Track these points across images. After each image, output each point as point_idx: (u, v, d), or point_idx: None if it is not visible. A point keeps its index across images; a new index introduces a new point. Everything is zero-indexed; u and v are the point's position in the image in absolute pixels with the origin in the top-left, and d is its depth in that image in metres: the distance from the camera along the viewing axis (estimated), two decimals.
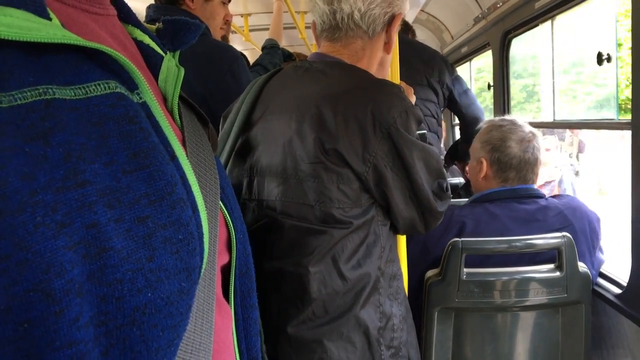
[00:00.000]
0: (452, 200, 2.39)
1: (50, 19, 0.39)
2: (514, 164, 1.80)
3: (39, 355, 0.32)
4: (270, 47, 2.48)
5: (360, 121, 1.09)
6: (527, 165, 1.81)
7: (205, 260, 0.45)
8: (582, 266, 1.63)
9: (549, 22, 2.47)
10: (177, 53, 0.56)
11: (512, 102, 2.99)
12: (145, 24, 0.57)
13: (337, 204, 1.11)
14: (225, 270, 0.58)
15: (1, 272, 0.30)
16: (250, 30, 3.80)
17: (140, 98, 0.44)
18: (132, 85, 0.43)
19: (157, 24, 0.58)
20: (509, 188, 1.81)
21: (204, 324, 0.47)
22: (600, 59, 1.93)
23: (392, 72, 1.62)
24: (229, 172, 1.24)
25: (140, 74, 0.44)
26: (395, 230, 1.23)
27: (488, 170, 1.84)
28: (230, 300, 0.58)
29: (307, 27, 3.95)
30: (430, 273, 1.65)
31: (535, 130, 1.87)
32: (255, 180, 1.20)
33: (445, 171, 1.23)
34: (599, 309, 1.79)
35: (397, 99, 1.13)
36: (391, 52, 1.31)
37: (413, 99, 1.49)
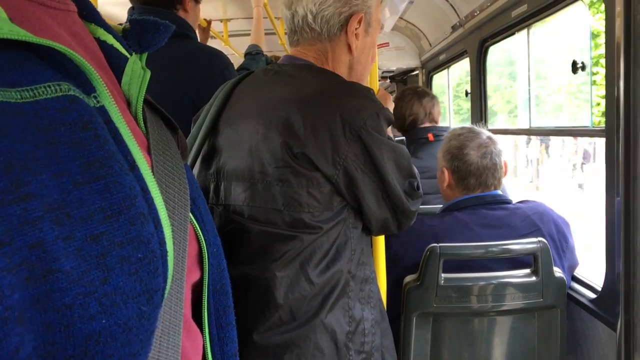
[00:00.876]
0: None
1: None
2: (472, 170, 1.83)
3: None
4: (256, 54, 2.49)
5: (329, 125, 1.08)
6: (486, 171, 1.83)
7: (169, 280, 0.41)
8: (557, 271, 1.65)
9: (525, 31, 2.51)
10: (144, 55, 0.52)
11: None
12: (110, 23, 0.54)
13: (307, 208, 1.10)
14: (197, 288, 0.54)
15: None
16: (230, 36, 3.79)
17: (98, 102, 0.40)
18: (89, 88, 0.40)
19: (123, 23, 0.54)
20: (474, 195, 1.83)
21: (169, 349, 0.43)
22: (575, 67, 1.96)
23: (370, 79, 1.63)
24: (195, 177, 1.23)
25: (98, 75, 0.40)
26: (368, 232, 1.23)
27: (450, 180, 1.87)
28: (203, 320, 0.55)
29: (286, 33, 3.96)
30: (408, 278, 1.66)
31: (493, 136, 1.90)
32: (222, 185, 1.19)
33: (415, 170, 1.23)
34: (573, 314, 1.82)
35: (367, 100, 1.13)
36: (360, 55, 1.28)
37: (391, 106, 1.49)
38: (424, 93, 2.80)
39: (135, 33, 0.52)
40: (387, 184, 1.14)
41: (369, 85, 1.59)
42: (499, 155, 1.86)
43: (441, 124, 2.83)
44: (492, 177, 1.84)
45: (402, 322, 1.64)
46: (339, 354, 1.15)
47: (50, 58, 0.37)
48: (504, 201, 1.83)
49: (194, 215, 0.53)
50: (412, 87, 2.94)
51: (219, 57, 1.88)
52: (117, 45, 0.51)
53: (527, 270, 1.65)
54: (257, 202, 1.13)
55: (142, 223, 0.37)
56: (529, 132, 2.62)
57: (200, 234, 0.54)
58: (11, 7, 0.38)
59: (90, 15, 0.50)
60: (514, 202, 1.87)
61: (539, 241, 1.62)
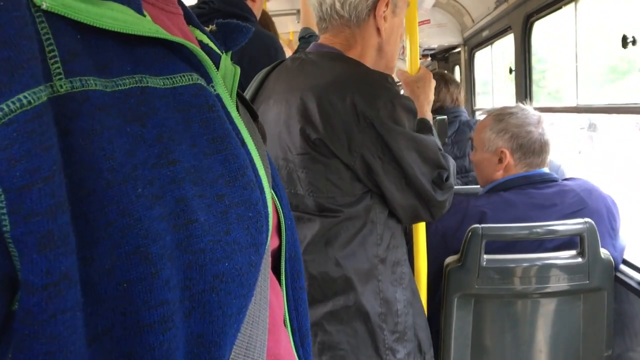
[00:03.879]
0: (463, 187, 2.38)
1: (144, 16, 0.43)
2: (536, 148, 1.78)
3: (135, 312, 0.35)
4: (309, 37, 2.51)
5: (344, 113, 1.10)
6: (547, 147, 1.80)
7: (269, 237, 0.48)
8: (604, 253, 1.60)
9: (572, 5, 2.42)
10: (229, 53, 0.59)
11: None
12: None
13: (327, 193, 1.13)
14: (274, 255, 0.61)
15: (107, 236, 0.34)
16: (270, 16, 3.79)
17: (215, 90, 0.48)
18: (208, 79, 0.47)
19: (210, 26, 0.61)
20: (523, 175, 1.79)
21: (261, 299, 0.50)
22: (625, 42, 1.88)
23: (411, 56, 1.60)
24: None
25: (214, 69, 0.48)
26: (397, 218, 1.23)
27: (510, 159, 1.81)
28: (281, 283, 0.61)
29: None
30: (450, 259, 1.64)
31: (538, 112, 1.87)
32: None
33: (446, 161, 1.21)
34: (621, 296, 1.77)
35: (382, 89, 1.13)
36: (390, 37, 1.29)
37: (432, 85, 1.46)
38: (451, 80, 2.75)
39: (221, 34, 0.60)
40: (407, 173, 1.14)
41: (409, 64, 1.56)
42: (549, 133, 1.83)
43: (484, 101, 2.79)
44: (548, 154, 1.81)
45: (443, 304, 1.63)
46: (374, 334, 1.18)
47: (181, 53, 0.45)
48: (551, 179, 1.78)
49: (274, 191, 0.60)
50: (439, 73, 2.88)
51: (272, 42, 1.98)
52: (211, 44, 0.58)
53: (573, 252, 1.61)
54: (286, 188, 1.16)
55: (252, 189, 0.45)
56: (577, 109, 2.54)
57: (280, 207, 0.61)
58: (148, 11, 0.46)
59: (189, 18, 0.58)
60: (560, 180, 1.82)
61: (586, 222, 1.58)
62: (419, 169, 1.15)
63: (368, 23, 1.25)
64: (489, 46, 3.88)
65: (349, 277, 1.15)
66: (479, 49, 4.09)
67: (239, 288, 0.41)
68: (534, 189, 1.75)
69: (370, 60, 1.28)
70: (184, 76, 0.43)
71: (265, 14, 2.60)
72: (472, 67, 4.29)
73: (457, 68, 5.01)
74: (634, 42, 1.86)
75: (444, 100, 2.69)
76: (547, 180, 1.78)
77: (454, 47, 4.72)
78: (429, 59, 5.55)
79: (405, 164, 1.13)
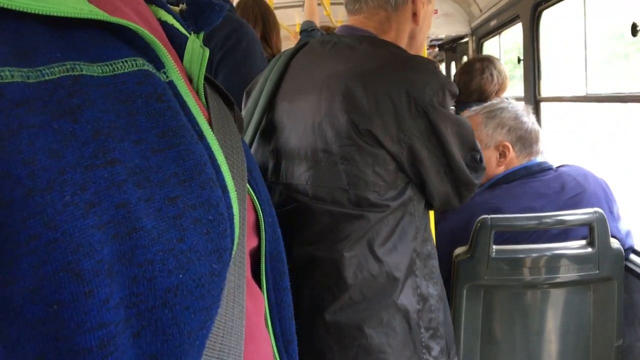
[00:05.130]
0: None
1: None
2: (533, 137, 1.83)
3: (69, 337, 0.31)
4: (311, 30, 2.49)
5: (395, 101, 1.05)
6: (539, 135, 1.85)
7: (236, 242, 0.44)
8: (614, 242, 1.60)
9: None
10: (202, 34, 0.54)
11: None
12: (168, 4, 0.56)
13: (373, 187, 1.07)
14: (255, 255, 0.57)
15: (30, 252, 0.30)
16: (275, 8, 3.78)
17: (167, 77, 0.43)
18: (158, 64, 0.43)
19: (180, 5, 0.57)
20: (523, 166, 1.83)
21: (235, 307, 0.46)
22: (634, 30, 1.86)
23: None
24: (253, 153, 1.20)
25: (166, 52, 0.43)
26: (429, 206, 1.21)
27: (512, 152, 1.84)
28: (262, 284, 0.57)
29: (332, 3, 3.91)
30: (459, 250, 1.64)
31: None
32: (283, 163, 1.16)
33: (478, 143, 1.19)
34: (632, 286, 1.77)
35: (432, 75, 1.09)
36: (423, 24, 1.25)
37: None
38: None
39: (192, 13, 0.55)
40: (451, 159, 1.11)
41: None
42: None
43: None
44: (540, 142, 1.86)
45: (452, 295, 1.63)
46: (412, 332, 1.14)
47: (124, 36, 0.40)
48: (548, 167, 1.82)
49: (250, 186, 0.56)
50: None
51: (238, 29, 1.84)
52: (177, 24, 0.53)
53: (583, 242, 1.60)
54: (321, 182, 1.10)
55: (212, 188, 0.40)
56: (586, 99, 2.52)
57: (257, 203, 0.56)
58: None
59: None
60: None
61: (595, 211, 1.57)
62: (458, 153, 1.12)
63: (406, 7, 1.21)
64: (497, 36, 3.85)
65: (390, 274, 1.11)
66: (487, 39, 4.07)
67: (198, 301, 0.37)
68: (534, 179, 1.78)
69: (402, 47, 1.22)
70: (126, 62, 0.38)
71: (258, 2, 2.51)
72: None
73: (465, 58, 4.98)
74: None
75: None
76: (544, 169, 1.82)
77: (462, 37, 4.69)
78: (437, 49, 5.52)
79: (450, 148, 1.09)
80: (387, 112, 1.05)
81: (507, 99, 1.96)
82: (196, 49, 0.51)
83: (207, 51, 0.52)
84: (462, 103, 2.61)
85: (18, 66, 0.32)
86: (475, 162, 1.18)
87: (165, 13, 0.53)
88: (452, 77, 5.42)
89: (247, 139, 1.20)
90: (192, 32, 0.53)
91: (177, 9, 0.57)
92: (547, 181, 1.76)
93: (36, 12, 0.33)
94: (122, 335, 0.34)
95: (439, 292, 1.20)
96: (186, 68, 0.52)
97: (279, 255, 0.60)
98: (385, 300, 1.11)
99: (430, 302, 1.17)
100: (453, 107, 2.52)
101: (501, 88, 2.66)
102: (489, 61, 2.63)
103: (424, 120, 1.06)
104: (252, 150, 1.21)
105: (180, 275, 0.36)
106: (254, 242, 0.56)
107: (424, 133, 1.07)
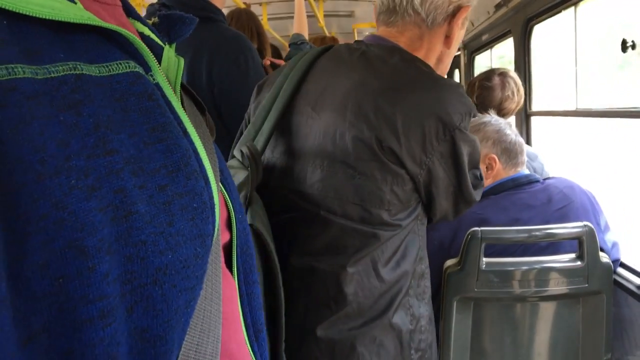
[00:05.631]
0: None
1: (75, 3, 0.42)
2: (517, 149, 1.86)
3: (72, 308, 0.34)
4: (300, 43, 2.51)
5: (424, 124, 1.03)
6: (523, 147, 1.88)
7: (216, 229, 0.48)
8: (603, 256, 1.61)
9: (572, 9, 2.43)
10: (173, 45, 0.58)
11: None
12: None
13: (387, 206, 1.05)
14: (226, 249, 0.60)
15: (40, 230, 0.33)
16: (269, 19, 3.79)
17: (154, 79, 0.47)
18: (146, 68, 0.46)
19: (152, 18, 0.60)
20: (510, 178, 1.85)
21: (213, 293, 0.49)
22: (624, 46, 1.89)
23: None
24: (264, 151, 1.16)
25: (152, 57, 0.47)
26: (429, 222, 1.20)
27: (499, 164, 1.86)
28: (234, 277, 0.60)
29: (325, 16, 3.93)
30: (449, 262, 1.64)
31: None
32: (295, 167, 1.11)
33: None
34: (620, 300, 1.77)
35: (461, 100, 1.07)
36: (452, 48, 1.23)
37: None
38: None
39: (164, 26, 0.59)
40: (462, 179, 1.10)
41: None
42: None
43: None
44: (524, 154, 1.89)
45: (442, 307, 1.63)
46: (403, 352, 1.12)
47: (116, 41, 0.44)
48: (535, 179, 1.85)
49: (222, 185, 0.60)
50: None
51: (237, 41, 1.85)
52: (153, 36, 0.56)
53: (572, 255, 1.61)
54: (335, 193, 1.06)
55: (196, 178, 0.44)
56: (576, 113, 2.54)
57: (229, 201, 0.60)
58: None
59: (128, 10, 0.56)
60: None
61: (585, 225, 1.58)
62: (467, 173, 1.11)
63: (441, 29, 1.18)
64: (489, 50, 3.88)
65: (389, 292, 1.09)
66: (479, 53, 4.10)
67: (184, 281, 0.41)
68: (522, 191, 1.80)
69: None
70: (120, 64, 0.42)
71: (252, 16, 2.51)
72: (471, 70, 4.29)
73: (456, 71, 5.01)
74: (633, 47, 1.87)
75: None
76: (532, 181, 1.84)
77: None
78: None
79: (464, 170, 1.09)
80: (415, 134, 1.03)
81: (488, 113, 1.98)
82: (172, 58, 0.55)
83: (182, 60, 0.56)
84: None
85: (28, 64, 0.35)
86: (476, 179, 1.17)
87: (142, 25, 0.57)
88: None
89: (262, 137, 1.15)
90: (166, 43, 0.57)
91: (149, 22, 0.60)
92: (534, 193, 1.78)
93: (45, 17, 0.37)
94: (119, 309, 0.37)
95: (429, 313, 1.19)
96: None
97: (249, 250, 0.64)
98: (380, 318, 1.10)
99: (421, 323, 1.15)
100: None
101: (518, 104, 2.56)
102: (510, 76, 2.52)
103: (448, 144, 1.05)
104: (265, 149, 1.17)
105: (170, 256, 0.40)
106: (226, 237, 0.60)
107: (444, 156, 1.06)
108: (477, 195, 1.16)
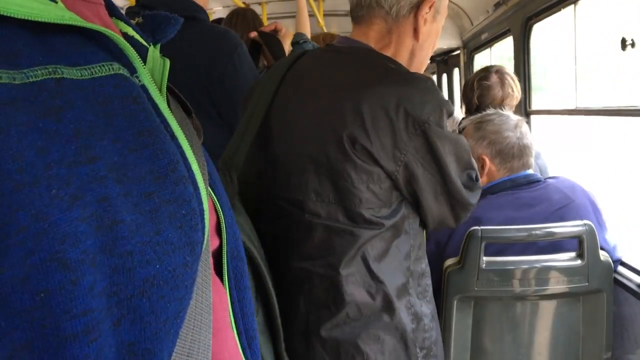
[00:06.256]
0: None
1: (56, 2, 0.40)
2: (515, 152, 1.82)
3: (55, 324, 0.32)
4: (303, 42, 2.50)
5: (391, 117, 1.03)
6: (527, 150, 1.83)
7: (206, 236, 0.46)
8: (603, 255, 1.61)
9: (571, 7, 2.42)
10: (158, 45, 0.56)
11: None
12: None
13: (367, 204, 1.06)
14: (216, 255, 0.59)
15: (19, 243, 0.31)
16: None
17: (140, 81, 0.45)
18: (131, 69, 0.45)
19: (136, 18, 0.59)
20: (508, 178, 1.82)
21: (203, 301, 0.48)
22: (624, 44, 1.89)
23: None
24: (248, 163, 1.16)
25: (138, 58, 0.45)
26: (424, 225, 1.19)
27: (491, 166, 1.84)
28: (224, 283, 0.59)
29: (325, 15, 3.93)
30: (449, 262, 1.64)
31: (518, 116, 1.91)
32: (279, 173, 1.13)
33: (473, 161, 1.17)
34: (620, 299, 1.77)
35: (430, 94, 1.07)
36: (424, 42, 1.22)
37: None
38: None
39: (148, 27, 0.57)
40: (447, 179, 1.09)
41: None
42: (529, 135, 1.87)
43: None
44: (531, 157, 1.84)
45: (442, 306, 1.63)
46: (408, 351, 1.13)
47: (100, 42, 0.42)
48: (536, 179, 1.82)
49: (212, 189, 0.58)
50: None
51: (224, 40, 1.83)
52: (137, 36, 0.55)
53: (572, 254, 1.61)
54: (316, 196, 1.08)
55: (185, 184, 0.42)
56: (575, 112, 2.54)
57: (218, 205, 0.59)
58: None
59: (111, 9, 0.55)
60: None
61: (585, 224, 1.58)
62: (454, 173, 1.10)
63: (407, 21, 1.18)
64: (489, 49, 3.88)
65: (386, 292, 1.10)
66: (478, 52, 4.10)
67: (173, 291, 0.39)
68: (520, 190, 1.79)
69: (402, 63, 1.19)
70: (103, 66, 0.40)
71: (256, 15, 2.51)
72: (471, 69, 4.29)
73: (456, 70, 5.01)
74: (632, 45, 1.87)
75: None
76: (532, 182, 1.81)
77: (453, 50, 4.72)
78: (428, 61, 5.55)
79: (447, 168, 1.08)
80: (384, 130, 1.03)
81: (501, 110, 1.94)
82: (156, 58, 0.53)
83: (168, 61, 0.54)
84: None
85: (5, 68, 0.34)
86: (471, 181, 1.16)
87: (125, 25, 0.55)
88: (446, 90, 5.45)
89: (242, 149, 1.16)
90: (150, 44, 0.55)
91: (133, 22, 0.59)
92: (534, 193, 1.77)
93: (23, 17, 0.35)
94: (105, 323, 0.35)
95: (431, 311, 1.19)
96: None
97: (239, 255, 0.62)
98: (382, 318, 1.10)
99: (424, 322, 1.16)
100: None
101: (517, 99, 2.53)
102: (506, 73, 2.50)
103: (420, 139, 1.05)
104: (249, 159, 1.17)
105: (157, 266, 0.38)
106: (216, 243, 0.58)
107: (419, 151, 1.06)
108: (471, 197, 1.15)
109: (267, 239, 1.00)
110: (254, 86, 1.28)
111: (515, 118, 1.87)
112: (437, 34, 1.26)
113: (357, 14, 1.21)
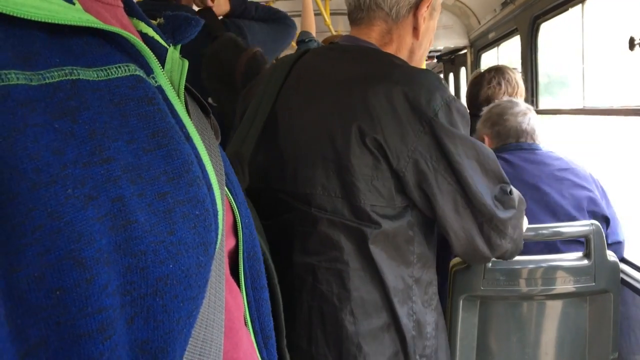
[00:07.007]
0: None
1: (73, 4, 0.41)
2: (511, 134, 1.89)
3: (70, 321, 0.33)
4: (308, 41, 2.51)
5: (401, 112, 1.03)
6: (525, 134, 1.89)
7: (220, 236, 0.46)
8: (610, 255, 1.60)
9: (579, 6, 2.41)
10: (178, 46, 0.57)
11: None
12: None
13: (370, 201, 1.05)
14: (232, 255, 0.60)
15: (35, 241, 0.32)
16: None
17: (156, 82, 0.46)
18: (147, 70, 0.45)
19: (157, 19, 0.59)
20: (513, 144, 1.89)
21: (216, 301, 0.48)
22: (632, 44, 1.88)
23: None
24: (253, 157, 1.17)
25: (155, 59, 0.46)
26: (432, 232, 1.17)
27: (490, 145, 1.92)
28: (240, 283, 0.60)
29: (332, 14, 3.92)
30: (455, 260, 1.63)
31: (530, 106, 1.97)
32: (287, 169, 1.13)
33: (505, 175, 1.13)
34: (628, 299, 1.76)
35: (436, 89, 1.06)
36: (423, 39, 1.24)
37: None
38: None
39: (169, 27, 0.58)
40: (466, 185, 1.04)
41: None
42: (537, 124, 1.92)
43: None
44: (531, 139, 1.90)
45: (448, 305, 1.62)
46: (407, 357, 1.13)
47: (117, 43, 0.43)
48: (537, 148, 1.89)
49: (228, 189, 0.58)
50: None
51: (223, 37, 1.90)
52: (157, 37, 0.55)
53: (579, 254, 1.60)
54: (322, 190, 1.08)
55: (199, 185, 0.43)
56: (583, 111, 2.53)
57: (234, 205, 0.59)
58: (79, 1, 0.44)
59: (132, 10, 0.55)
60: None
61: (592, 224, 1.58)
62: (480, 182, 1.05)
63: (407, 21, 1.19)
64: (496, 48, 3.87)
65: (387, 296, 1.10)
66: (485, 51, 4.08)
67: (186, 290, 0.40)
68: (524, 152, 1.86)
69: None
70: (119, 67, 0.41)
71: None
72: (478, 69, 4.28)
73: (463, 70, 5.00)
74: None
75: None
76: (533, 148, 1.89)
77: (460, 49, 4.71)
78: (435, 60, 5.54)
79: (466, 175, 1.03)
80: (396, 124, 1.03)
81: (514, 99, 2.01)
82: (175, 59, 0.54)
83: (186, 62, 0.55)
84: (475, 117, 2.53)
85: (22, 69, 0.34)
86: (505, 195, 1.12)
87: (146, 26, 0.56)
88: (453, 89, 5.43)
89: (249, 143, 1.18)
90: (170, 44, 0.56)
91: (154, 22, 0.59)
92: (538, 154, 1.84)
93: (40, 20, 0.36)
94: (119, 321, 0.36)
95: (435, 319, 1.19)
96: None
97: (256, 255, 0.62)
98: (385, 320, 1.11)
99: (426, 329, 1.16)
100: None
101: (522, 95, 2.56)
102: (497, 70, 2.55)
103: (429, 136, 1.03)
104: (253, 155, 1.19)
105: (171, 266, 0.39)
106: (231, 243, 0.59)
107: (430, 150, 1.04)
108: (500, 212, 1.09)
109: (268, 234, 1.01)
110: (254, 83, 1.29)
111: (524, 106, 1.94)
112: (434, 31, 1.29)
113: (357, 16, 1.23)
